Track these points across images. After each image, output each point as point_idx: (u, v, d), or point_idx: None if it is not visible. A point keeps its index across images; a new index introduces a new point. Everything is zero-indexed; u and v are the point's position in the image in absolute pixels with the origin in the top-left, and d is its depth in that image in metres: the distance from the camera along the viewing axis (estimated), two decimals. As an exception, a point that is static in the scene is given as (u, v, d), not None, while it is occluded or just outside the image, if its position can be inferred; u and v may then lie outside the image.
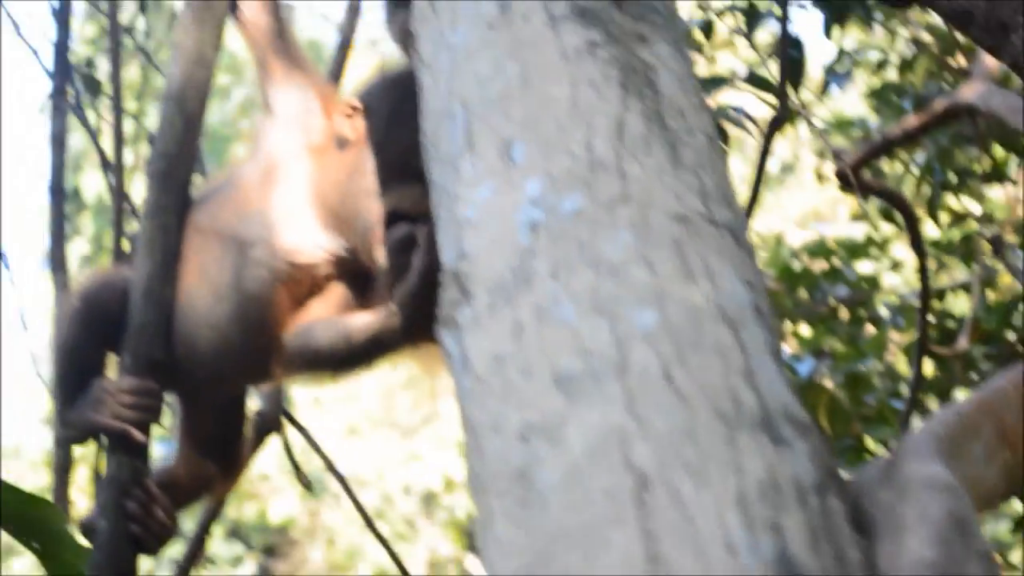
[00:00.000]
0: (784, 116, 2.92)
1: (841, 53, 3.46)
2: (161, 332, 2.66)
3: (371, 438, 14.44)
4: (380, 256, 2.48)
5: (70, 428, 2.70)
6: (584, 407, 1.02)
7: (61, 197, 3.35)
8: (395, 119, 2.46)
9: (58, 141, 3.35)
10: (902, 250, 4.97)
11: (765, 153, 3.05)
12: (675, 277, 1.07)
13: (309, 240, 2.55)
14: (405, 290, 2.39)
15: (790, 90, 3.41)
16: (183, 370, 2.68)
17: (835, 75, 3.42)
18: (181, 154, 2.68)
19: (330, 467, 3.67)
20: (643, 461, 0.97)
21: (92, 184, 14.69)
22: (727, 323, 1.05)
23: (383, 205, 2.44)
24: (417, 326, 2.44)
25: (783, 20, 2.92)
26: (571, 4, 1.29)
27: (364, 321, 2.48)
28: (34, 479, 15.43)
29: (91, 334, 2.71)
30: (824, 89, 3.43)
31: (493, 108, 1.25)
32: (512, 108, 1.23)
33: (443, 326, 1.19)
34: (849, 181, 3.33)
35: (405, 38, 2.82)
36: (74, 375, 2.70)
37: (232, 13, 2.71)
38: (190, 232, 2.67)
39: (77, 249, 15.00)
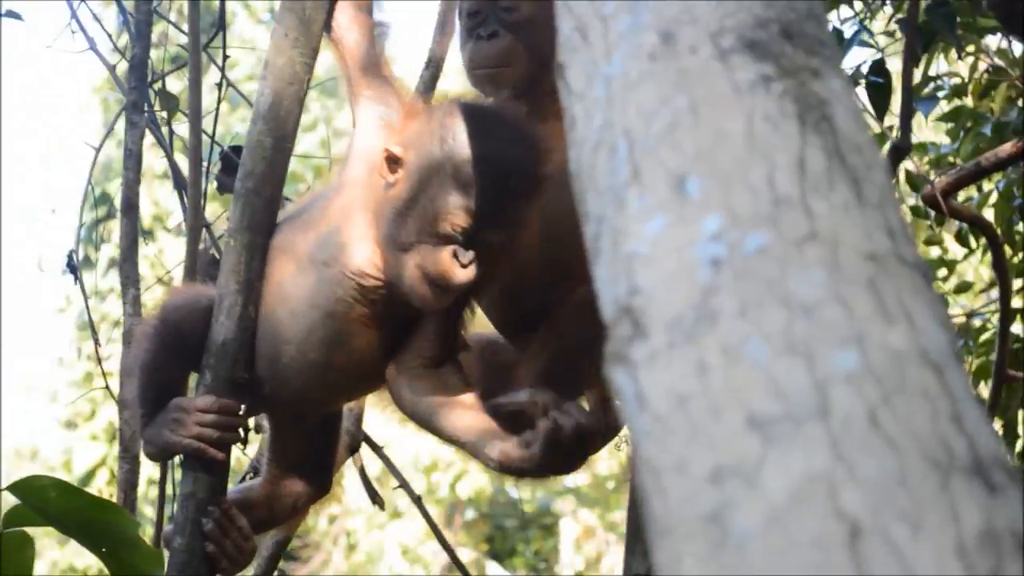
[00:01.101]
0: (907, 147, 2.89)
1: (927, 79, 3.43)
2: (244, 350, 2.66)
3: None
4: (415, 297, 2.50)
5: (148, 446, 2.70)
6: (783, 450, 0.99)
7: (135, 213, 3.35)
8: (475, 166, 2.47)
9: (133, 157, 3.34)
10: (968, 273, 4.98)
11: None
12: (873, 318, 1.04)
13: (372, 264, 2.56)
14: (544, 446, 2.38)
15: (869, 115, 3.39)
16: (266, 389, 2.68)
17: (921, 100, 3.38)
18: (270, 173, 2.67)
19: (406, 488, 3.65)
20: (854, 508, 0.94)
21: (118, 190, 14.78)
22: (930, 366, 1.02)
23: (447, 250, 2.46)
24: (551, 468, 2.45)
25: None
26: (740, 37, 1.27)
27: (499, 449, 2.45)
28: (51, 481, 15.49)
29: (171, 352, 2.71)
30: (910, 115, 3.39)
31: (661, 141, 1.22)
32: (683, 141, 1.20)
33: (613, 362, 1.16)
34: (938, 206, 3.31)
35: (473, 67, 2.83)
36: (153, 393, 2.70)
37: (326, 31, 2.71)
38: (271, 251, 2.67)
39: (105, 255, 15.10)
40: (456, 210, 2.44)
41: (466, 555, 15.18)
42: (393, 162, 2.54)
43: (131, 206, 3.37)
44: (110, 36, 3.96)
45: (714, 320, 1.07)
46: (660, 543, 1.05)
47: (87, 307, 3.73)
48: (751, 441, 1.00)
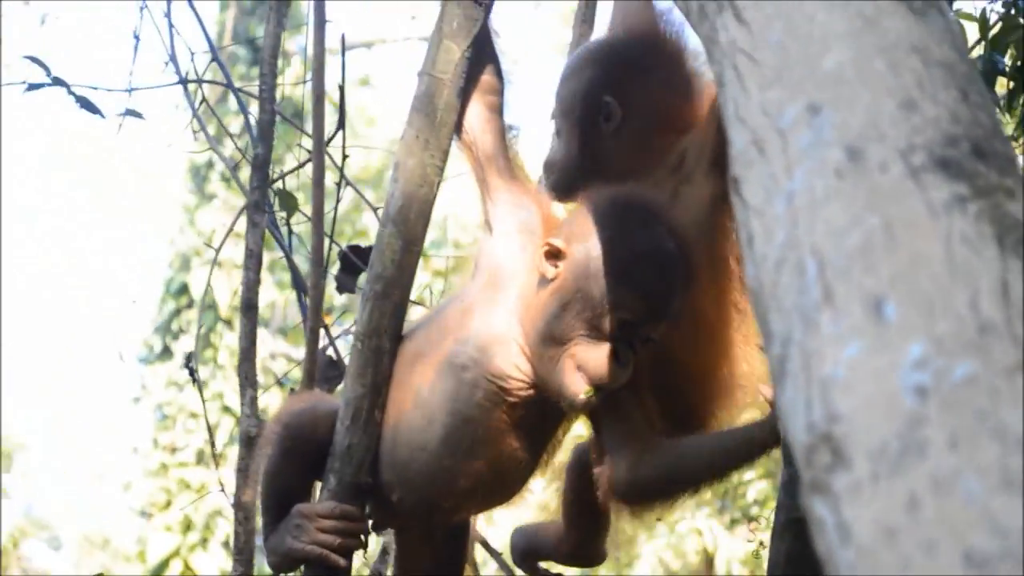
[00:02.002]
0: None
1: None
2: (368, 455, 2.64)
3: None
4: (566, 395, 2.48)
5: (271, 555, 2.67)
6: (1005, 591, 0.95)
7: (254, 314, 3.35)
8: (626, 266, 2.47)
9: (254, 257, 3.35)
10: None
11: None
12: (1089, 453, 1.01)
13: (515, 366, 2.54)
14: None
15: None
16: (394, 497, 2.65)
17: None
18: (398, 277, 2.67)
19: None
20: (1083, 654, 0.91)
21: (198, 281, 14.96)
22: None
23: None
24: None
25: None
26: (931, 155, 1.24)
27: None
28: (125, 570, 15.50)
29: (292, 459, 2.69)
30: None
31: (854, 262, 1.20)
32: (878, 263, 1.18)
33: (812, 491, 1.13)
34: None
35: (551, 173, 2.87)
36: (276, 501, 2.69)
37: (456, 132, 2.71)
38: (403, 357, 2.65)
39: (183, 346, 15.22)
40: (623, 305, 2.44)
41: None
42: (554, 256, 2.54)
43: (250, 306, 3.37)
44: (232, 138, 4.01)
45: (922, 451, 1.04)
46: None
47: (203, 406, 3.74)
48: (970, 580, 0.97)
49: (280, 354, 14.65)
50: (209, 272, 3.97)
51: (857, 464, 1.09)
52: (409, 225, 2.66)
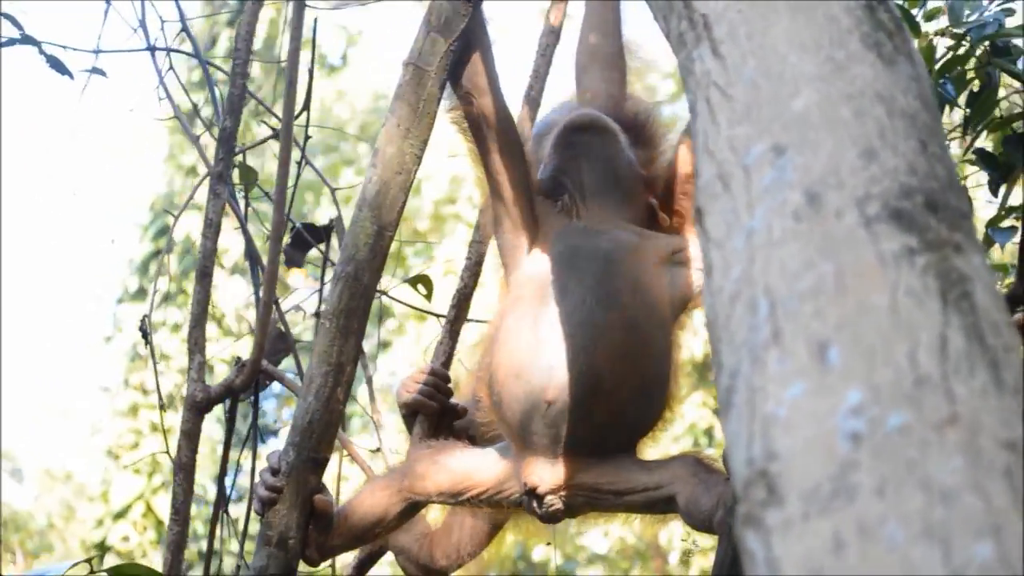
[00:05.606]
0: (1022, 294, 2.90)
1: (1006, 210, 3.39)
2: (328, 431, 2.69)
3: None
4: None
5: None
6: (918, 637, 1.01)
7: (209, 281, 3.38)
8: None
9: (213, 227, 3.38)
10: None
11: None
12: (1009, 509, 1.06)
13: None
14: None
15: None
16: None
17: (998, 231, 3.35)
18: (370, 260, 2.71)
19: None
20: None
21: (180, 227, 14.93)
22: (1063, 564, 1.04)
23: None
24: None
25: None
26: (886, 205, 1.29)
27: None
28: (89, 510, 15.54)
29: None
30: (988, 244, 3.37)
31: (804, 305, 1.25)
32: (826, 309, 1.23)
33: (746, 523, 1.18)
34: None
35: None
36: None
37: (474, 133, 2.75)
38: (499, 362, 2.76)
39: (160, 286, 15.21)
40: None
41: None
42: None
43: (205, 274, 3.40)
44: (195, 107, 4.02)
45: (852, 496, 1.09)
46: None
47: (155, 371, 3.76)
48: (885, 623, 1.02)
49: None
50: (167, 239, 4.00)
51: (790, 502, 1.14)
52: (384, 210, 2.71)
